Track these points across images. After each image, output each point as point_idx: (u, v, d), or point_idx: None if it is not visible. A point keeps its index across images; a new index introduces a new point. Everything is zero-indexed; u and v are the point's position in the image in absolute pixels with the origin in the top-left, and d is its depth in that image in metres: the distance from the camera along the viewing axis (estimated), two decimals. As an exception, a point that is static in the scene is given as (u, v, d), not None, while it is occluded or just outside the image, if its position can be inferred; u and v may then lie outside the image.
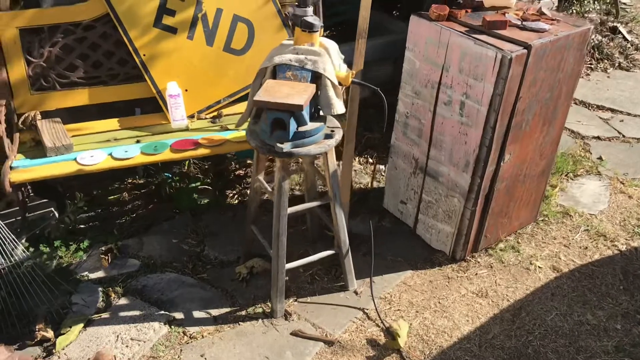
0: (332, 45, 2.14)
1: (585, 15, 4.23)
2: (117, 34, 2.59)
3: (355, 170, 3.23)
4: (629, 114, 3.91)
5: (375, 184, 3.09)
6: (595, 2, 4.13)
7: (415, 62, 2.41)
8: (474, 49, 2.13)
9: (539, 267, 2.54)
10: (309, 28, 2.02)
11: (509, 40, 2.13)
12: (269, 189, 2.21)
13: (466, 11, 2.34)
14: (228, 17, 2.72)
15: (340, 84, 2.10)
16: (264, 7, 2.76)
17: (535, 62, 2.13)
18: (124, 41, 2.59)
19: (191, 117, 2.75)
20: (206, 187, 2.94)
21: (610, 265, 2.57)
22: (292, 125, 1.90)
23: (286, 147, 1.92)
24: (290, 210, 2.12)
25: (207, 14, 2.68)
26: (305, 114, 1.95)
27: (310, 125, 1.99)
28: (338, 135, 2.09)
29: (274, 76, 2.05)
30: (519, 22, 2.23)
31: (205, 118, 2.78)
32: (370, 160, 3.31)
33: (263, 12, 2.77)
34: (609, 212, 2.92)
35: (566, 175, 3.19)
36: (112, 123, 2.67)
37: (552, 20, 2.27)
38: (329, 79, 2.01)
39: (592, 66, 4.70)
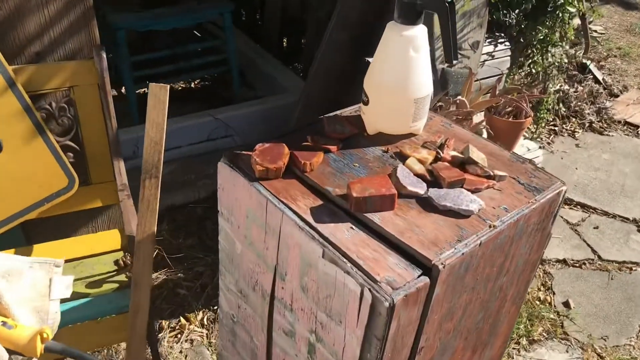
0: None
1: (549, 70, 3.25)
2: None
3: (191, 341, 2.13)
4: (605, 214, 2.95)
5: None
6: (560, 47, 3.16)
7: (235, 242, 1.32)
8: (320, 265, 1.07)
9: None
10: None
11: (395, 246, 1.07)
12: None
13: (326, 149, 1.27)
14: None
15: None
16: (-3, 102, 1.63)
17: (449, 290, 1.08)
18: None
19: None
20: None
21: None
22: None
23: None
24: None
25: None
26: None
27: None
28: None
29: None
30: (421, 189, 1.17)
31: None
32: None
33: (-5, 111, 1.63)
34: None
35: (517, 342, 2.18)
36: None
37: (488, 180, 1.22)
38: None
39: (557, 128, 3.74)
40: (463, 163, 1.25)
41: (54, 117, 1.75)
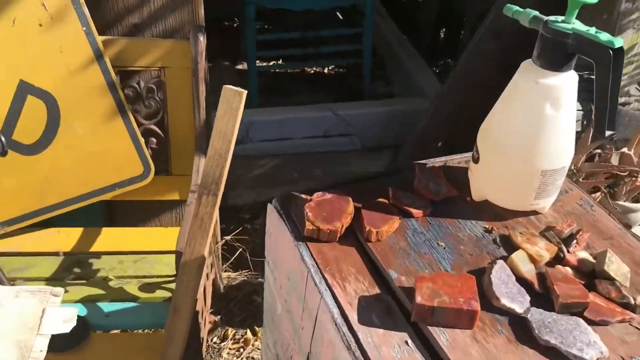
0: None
1: None
2: None
3: (251, 361, 1.95)
4: None
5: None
6: None
7: (276, 300, 1.08)
8: (348, 389, 0.79)
9: None
10: None
11: (456, 388, 0.76)
12: None
13: (407, 213, 0.97)
14: (9, 85, 1.51)
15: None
16: (81, 75, 1.52)
17: None
18: None
19: None
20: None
21: None
22: None
23: None
24: None
25: (-32, 73, 1.49)
26: None
27: None
28: None
29: None
30: (520, 306, 0.83)
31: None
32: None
33: (79, 84, 1.53)
34: None
35: None
36: None
37: (624, 310, 0.85)
38: None
39: None
40: (594, 274, 0.89)
41: (141, 98, 1.62)
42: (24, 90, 1.51)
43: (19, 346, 0.93)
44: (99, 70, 1.52)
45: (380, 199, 0.99)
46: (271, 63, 3.08)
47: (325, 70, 3.17)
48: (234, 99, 1.21)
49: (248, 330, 2.02)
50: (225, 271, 2.21)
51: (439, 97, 2.25)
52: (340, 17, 3.13)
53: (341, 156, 2.44)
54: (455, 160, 1.12)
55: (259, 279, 2.19)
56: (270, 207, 1.02)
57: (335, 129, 2.52)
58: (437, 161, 1.11)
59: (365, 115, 2.51)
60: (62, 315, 0.96)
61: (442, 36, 3.78)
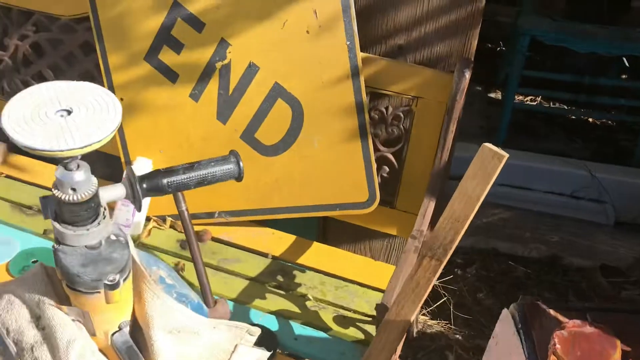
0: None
1: None
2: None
3: None
4: None
5: None
6: None
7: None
8: None
9: None
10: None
11: None
12: None
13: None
14: (264, 84, 1.53)
15: None
16: (333, 89, 1.49)
17: None
18: (99, 65, 1.65)
19: (161, 218, 1.72)
20: None
21: None
22: None
23: None
24: None
25: (233, 66, 1.54)
26: None
27: None
28: None
29: None
30: None
31: (181, 231, 1.71)
32: None
33: (328, 98, 1.50)
34: None
35: None
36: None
37: None
38: None
39: None
40: None
41: (384, 123, 1.52)
42: (276, 93, 1.51)
43: (203, 377, 0.89)
44: (351, 88, 1.46)
45: (659, 350, 0.75)
46: (527, 99, 2.81)
47: (590, 119, 2.80)
48: (490, 162, 1.03)
49: (431, 388, 1.86)
50: (422, 314, 2.06)
51: None
52: (627, 64, 2.72)
53: (586, 226, 2.11)
54: None
55: (457, 335, 2.00)
56: (505, 313, 0.84)
57: (587, 192, 2.19)
58: None
59: (630, 185, 2.14)
60: (253, 356, 0.90)
61: None
